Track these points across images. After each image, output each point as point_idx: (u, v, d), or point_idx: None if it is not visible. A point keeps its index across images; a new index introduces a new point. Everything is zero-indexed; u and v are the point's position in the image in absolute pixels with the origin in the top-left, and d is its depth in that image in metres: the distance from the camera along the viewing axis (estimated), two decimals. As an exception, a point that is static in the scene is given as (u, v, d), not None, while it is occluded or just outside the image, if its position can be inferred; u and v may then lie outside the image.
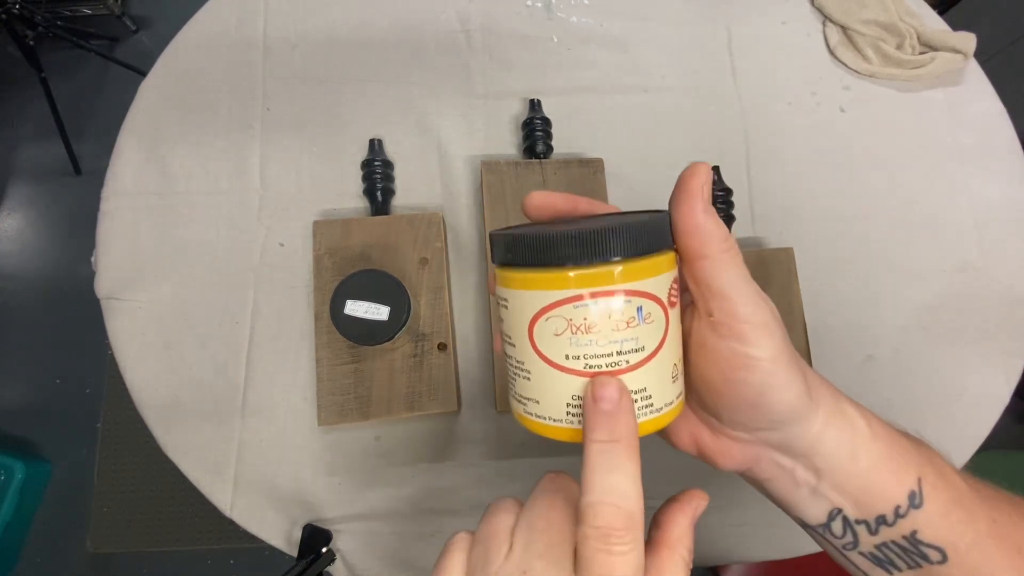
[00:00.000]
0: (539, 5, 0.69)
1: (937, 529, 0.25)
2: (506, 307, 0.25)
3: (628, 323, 0.22)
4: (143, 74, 0.66)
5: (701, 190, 0.23)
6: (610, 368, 0.23)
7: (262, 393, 0.57)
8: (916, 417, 0.59)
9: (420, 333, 0.54)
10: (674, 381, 0.24)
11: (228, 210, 0.61)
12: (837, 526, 0.27)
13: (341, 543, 0.54)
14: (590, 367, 0.23)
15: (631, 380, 0.23)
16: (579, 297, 0.22)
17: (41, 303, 1.44)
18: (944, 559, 0.25)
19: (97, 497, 1.29)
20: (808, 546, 0.55)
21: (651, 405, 0.24)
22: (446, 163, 0.63)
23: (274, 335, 0.58)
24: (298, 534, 0.53)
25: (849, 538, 0.27)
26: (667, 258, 0.24)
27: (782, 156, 0.65)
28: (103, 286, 0.59)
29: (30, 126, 1.55)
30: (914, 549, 0.25)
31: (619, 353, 0.23)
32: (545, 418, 0.24)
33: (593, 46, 0.68)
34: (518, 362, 0.25)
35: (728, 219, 0.59)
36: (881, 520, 0.26)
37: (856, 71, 0.68)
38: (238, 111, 0.64)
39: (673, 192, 0.24)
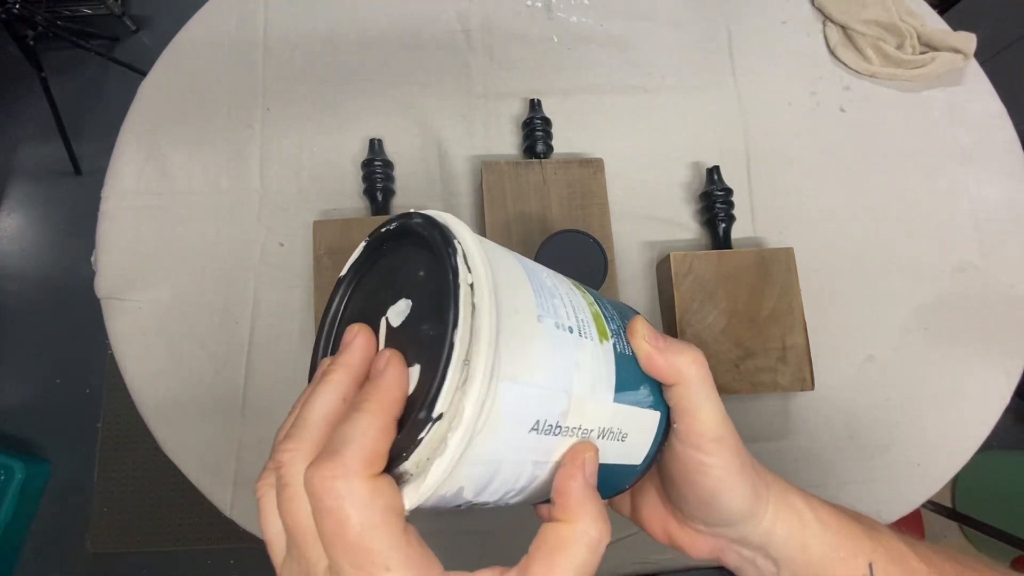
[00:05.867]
0: (539, 5, 0.69)
1: None
2: None
3: None
4: (143, 74, 0.66)
5: (653, 335, 0.26)
6: None
7: (262, 393, 0.57)
8: (916, 417, 0.59)
9: (420, 333, 0.54)
10: None
11: (228, 210, 0.61)
12: None
13: (341, 543, 0.54)
14: None
15: None
16: None
17: (41, 303, 1.44)
18: None
19: (97, 497, 1.29)
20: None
21: None
22: (446, 163, 0.63)
23: (274, 335, 0.58)
24: (298, 534, 0.53)
25: None
26: None
27: (782, 156, 0.65)
28: (103, 286, 0.59)
29: (30, 126, 1.55)
30: None
31: None
32: None
33: (593, 46, 0.68)
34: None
35: (728, 219, 0.59)
36: None
37: (856, 71, 0.68)
38: (238, 111, 0.64)
39: (638, 350, 0.26)
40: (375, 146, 0.61)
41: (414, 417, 0.17)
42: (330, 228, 0.56)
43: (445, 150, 0.64)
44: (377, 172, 0.59)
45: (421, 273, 0.20)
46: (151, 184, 0.62)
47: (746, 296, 0.56)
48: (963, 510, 1.09)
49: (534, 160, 0.60)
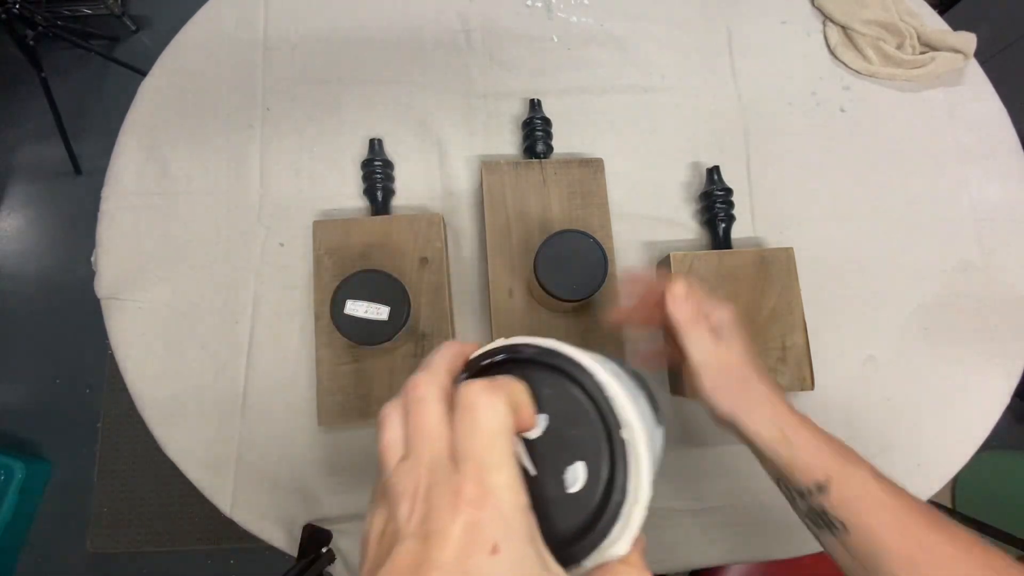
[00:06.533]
0: (539, 5, 0.69)
1: (840, 509, 0.37)
2: None
3: None
4: (143, 74, 0.66)
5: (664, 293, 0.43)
6: None
7: (262, 393, 0.57)
8: (916, 417, 0.59)
9: (420, 333, 0.54)
10: None
11: (228, 210, 0.61)
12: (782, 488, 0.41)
13: (341, 543, 0.54)
14: None
15: None
16: None
17: (41, 303, 1.44)
18: (846, 531, 0.37)
19: (97, 497, 1.29)
20: (806, 547, 0.55)
21: None
22: (446, 163, 0.63)
23: (274, 335, 0.58)
24: (298, 534, 0.53)
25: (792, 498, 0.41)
26: None
27: (782, 156, 0.65)
28: (103, 286, 0.59)
29: (30, 126, 1.55)
30: (824, 519, 0.38)
31: None
32: None
33: (593, 46, 0.68)
34: None
35: (728, 219, 0.59)
36: (803, 492, 0.39)
37: (856, 71, 0.68)
38: (238, 111, 0.64)
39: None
40: (375, 146, 0.61)
41: (614, 501, 0.22)
42: (330, 228, 0.56)
43: (445, 150, 0.64)
44: (377, 172, 0.59)
45: (547, 391, 0.24)
46: (151, 184, 0.62)
47: (746, 296, 0.56)
48: (963, 510, 1.09)
49: (534, 160, 0.60)
